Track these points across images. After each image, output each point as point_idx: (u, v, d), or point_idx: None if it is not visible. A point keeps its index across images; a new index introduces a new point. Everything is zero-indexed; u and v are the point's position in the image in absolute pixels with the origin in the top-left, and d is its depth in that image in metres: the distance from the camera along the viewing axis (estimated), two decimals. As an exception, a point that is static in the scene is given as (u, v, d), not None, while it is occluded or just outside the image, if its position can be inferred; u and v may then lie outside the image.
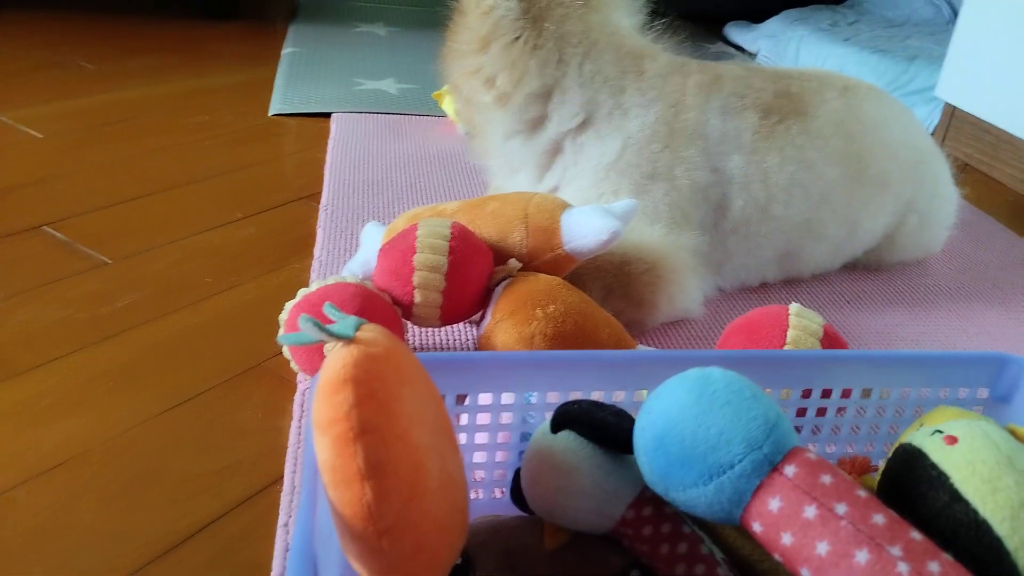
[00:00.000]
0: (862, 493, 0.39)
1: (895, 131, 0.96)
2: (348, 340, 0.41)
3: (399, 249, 0.70)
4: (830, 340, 0.65)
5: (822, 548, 0.37)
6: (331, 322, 0.44)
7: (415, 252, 0.69)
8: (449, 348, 0.76)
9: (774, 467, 0.39)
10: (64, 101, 1.24)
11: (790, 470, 0.39)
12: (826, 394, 0.57)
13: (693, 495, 0.41)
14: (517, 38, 0.84)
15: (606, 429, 0.46)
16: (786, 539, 0.38)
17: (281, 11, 1.92)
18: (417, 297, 0.68)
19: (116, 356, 0.71)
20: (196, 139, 1.18)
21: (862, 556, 0.36)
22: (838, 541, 0.37)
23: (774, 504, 0.39)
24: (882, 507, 0.38)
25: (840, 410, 0.58)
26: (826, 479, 0.39)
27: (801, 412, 0.58)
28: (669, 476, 0.41)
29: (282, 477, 0.60)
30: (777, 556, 0.39)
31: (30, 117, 1.16)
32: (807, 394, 0.57)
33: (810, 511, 0.38)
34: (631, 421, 0.48)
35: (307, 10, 1.91)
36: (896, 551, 0.36)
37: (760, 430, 0.40)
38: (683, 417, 0.41)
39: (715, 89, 0.88)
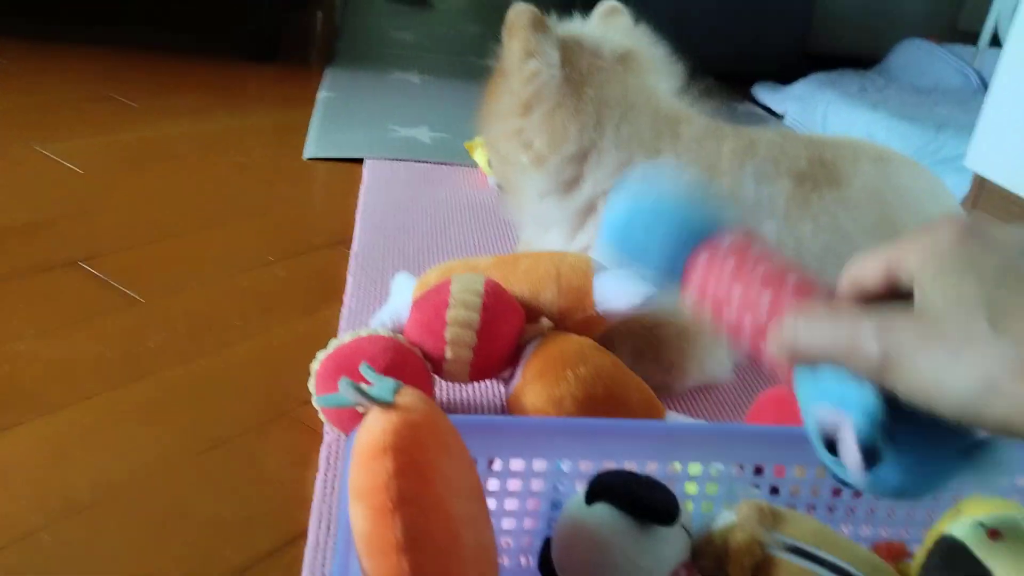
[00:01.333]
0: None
1: (928, 203, 0.96)
2: (387, 405, 0.42)
3: (432, 303, 0.70)
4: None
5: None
6: (366, 381, 0.44)
7: (448, 307, 0.69)
8: (477, 405, 0.76)
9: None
10: (105, 136, 1.27)
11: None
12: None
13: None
14: (559, 104, 0.85)
15: (645, 503, 0.46)
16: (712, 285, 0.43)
17: (318, 55, 1.96)
18: (448, 353, 0.68)
19: (146, 396, 0.71)
20: (231, 179, 1.20)
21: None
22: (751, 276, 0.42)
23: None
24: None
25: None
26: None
27: (836, 492, 0.57)
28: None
29: (306, 531, 0.59)
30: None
31: (71, 151, 1.18)
32: (842, 474, 0.56)
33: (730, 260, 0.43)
34: (668, 492, 0.48)
35: (344, 55, 1.95)
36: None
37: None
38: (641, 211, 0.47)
39: (749, 155, 0.88)
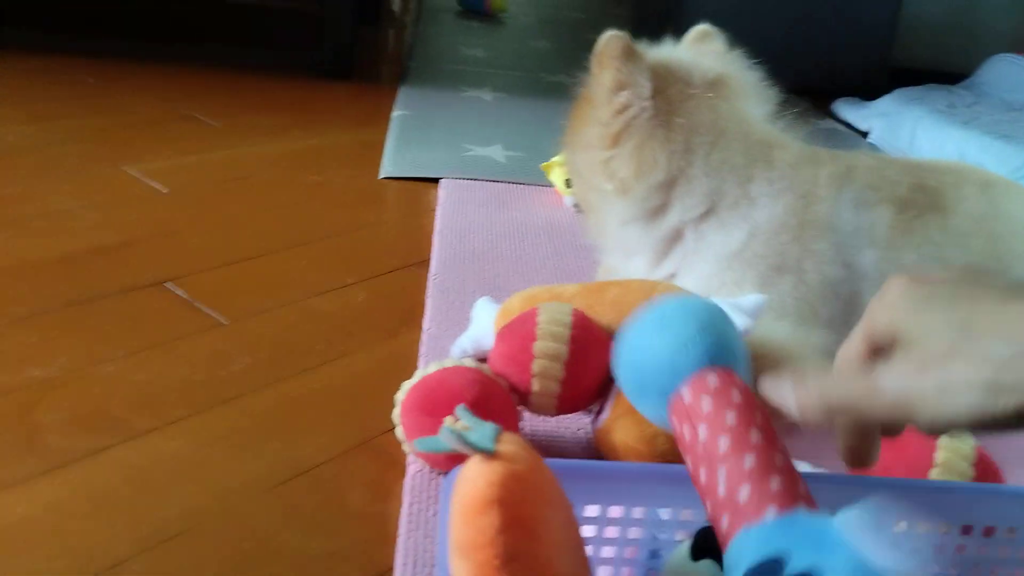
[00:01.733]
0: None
1: None
2: (489, 454, 0.40)
3: (518, 335, 0.68)
4: (984, 465, 0.60)
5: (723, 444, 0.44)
6: (455, 417, 0.43)
7: (535, 339, 0.67)
8: (562, 439, 0.74)
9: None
10: (188, 156, 1.29)
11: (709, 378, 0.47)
12: (988, 532, 0.52)
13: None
14: (650, 136, 0.83)
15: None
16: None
17: (391, 73, 1.98)
18: (535, 386, 0.67)
19: (231, 421, 0.71)
20: (310, 199, 1.20)
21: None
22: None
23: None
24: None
25: (1003, 549, 0.53)
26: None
27: (960, 549, 0.53)
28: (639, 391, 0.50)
29: (392, 568, 0.58)
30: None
31: (156, 171, 1.21)
32: (967, 530, 0.52)
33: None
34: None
35: (416, 73, 1.96)
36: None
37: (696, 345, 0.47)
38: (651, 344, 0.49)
39: (848, 181, 0.84)
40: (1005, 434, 0.38)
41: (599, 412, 0.68)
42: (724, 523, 0.42)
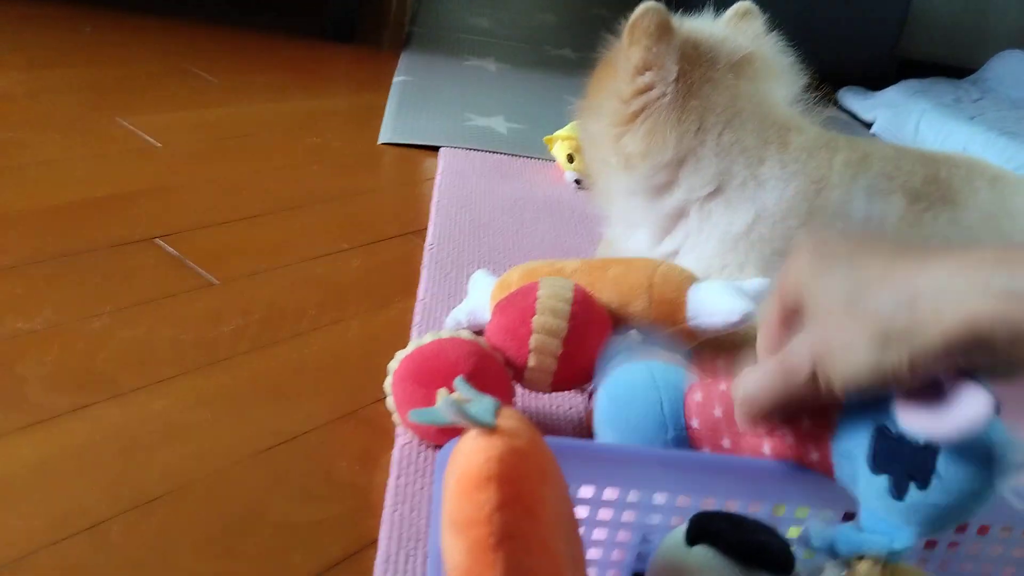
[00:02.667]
0: None
1: None
2: (490, 428, 0.39)
3: (518, 308, 0.67)
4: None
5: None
6: (456, 394, 0.42)
7: (535, 313, 0.66)
8: (556, 417, 0.73)
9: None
10: (185, 111, 1.27)
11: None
12: (983, 531, 0.51)
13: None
14: (665, 119, 0.81)
15: (757, 548, 0.42)
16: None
17: (394, 38, 1.94)
18: (531, 361, 0.65)
19: (219, 384, 0.70)
20: (307, 162, 1.18)
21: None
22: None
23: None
24: None
25: (976, 546, 0.53)
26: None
27: (952, 545, 0.52)
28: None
29: (376, 540, 0.57)
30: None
31: (152, 125, 1.18)
32: (962, 528, 0.51)
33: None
34: (780, 539, 0.44)
35: (418, 39, 1.93)
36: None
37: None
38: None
39: (863, 168, 0.83)
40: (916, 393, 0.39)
41: (593, 392, 0.67)
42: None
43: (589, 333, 0.66)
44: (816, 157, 0.82)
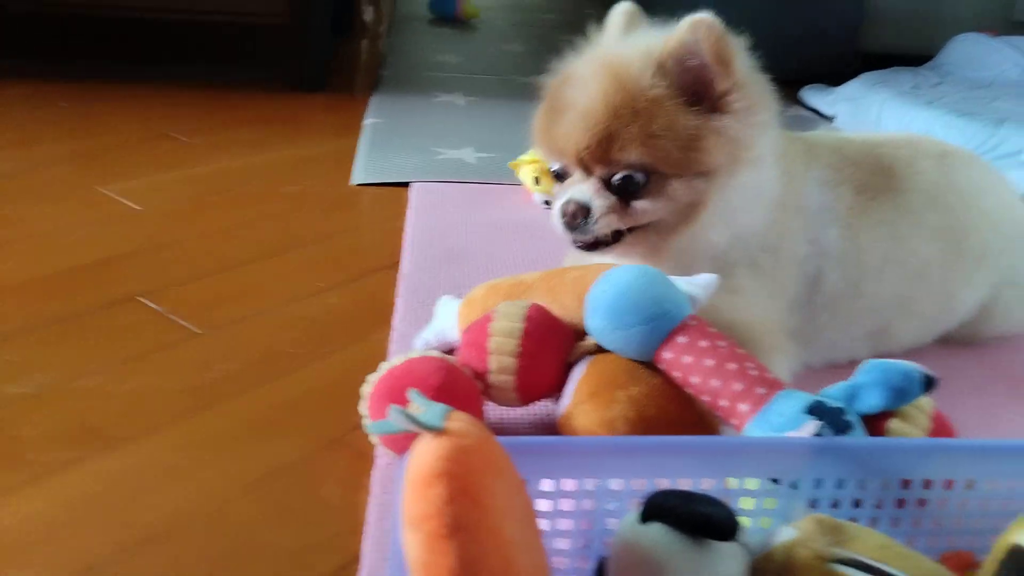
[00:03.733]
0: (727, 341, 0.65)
1: (993, 201, 0.93)
2: (438, 431, 0.42)
3: (479, 324, 0.71)
4: (939, 428, 0.62)
5: (708, 363, 0.62)
6: (412, 406, 0.45)
7: (491, 321, 0.70)
8: (529, 425, 0.76)
9: (683, 320, 0.65)
10: (163, 174, 1.31)
11: (692, 322, 0.65)
12: (927, 485, 0.54)
13: (633, 332, 0.65)
14: None
15: (700, 519, 0.45)
16: (686, 359, 0.63)
17: (365, 83, 2.00)
18: (492, 364, 0.69)
19: (209, 426, 0.73)
20: (285, 210, 1.22)
21: (732, 366, 0.62)
22: (718, 357, 0.63)
23: (681, 339, 0.64)
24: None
25: (942, 502, 0.55)
26: (711, 329, 0.65)
27: (900, 503, 0.55)
28: (620, 318, 0.65)
29: (359, 556, 0.60)
30: (677, 374, 0.64)
31: (131, 190, 1.23)
32: (906, 484, 0.54)
33: (703, 342, 0.64)
34: (724, 508, 0.47)
35: (388, 81, 1.98)
36: (750, 364, 0.63)
37: (680, 298, 0.67)
38: (634, 283, 0.66)
39: (812, 159, 0.86)
40: None
41: (560, 400, 0.71)
42: (746, 405, 0.60)
43: (546, 348, 0.70)
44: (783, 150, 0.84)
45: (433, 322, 0.82)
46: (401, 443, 0.66)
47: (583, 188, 0.79)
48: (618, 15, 0.86)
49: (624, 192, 0.78)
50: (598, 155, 0.77)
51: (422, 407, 0.44)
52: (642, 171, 0.77)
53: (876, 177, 0.88)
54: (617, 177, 0.78)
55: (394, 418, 0.42)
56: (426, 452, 0.41)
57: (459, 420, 0.43)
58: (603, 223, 0.79)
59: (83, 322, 0.88)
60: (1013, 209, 0.95)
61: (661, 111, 0.75)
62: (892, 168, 0.89)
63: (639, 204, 0.78)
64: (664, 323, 0.65)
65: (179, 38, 2.10)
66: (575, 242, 0.81)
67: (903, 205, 0.87)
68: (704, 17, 0.74)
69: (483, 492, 0.40)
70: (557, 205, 0.80)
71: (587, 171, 0.79)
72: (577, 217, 0.79)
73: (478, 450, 0.42)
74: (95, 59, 1.91)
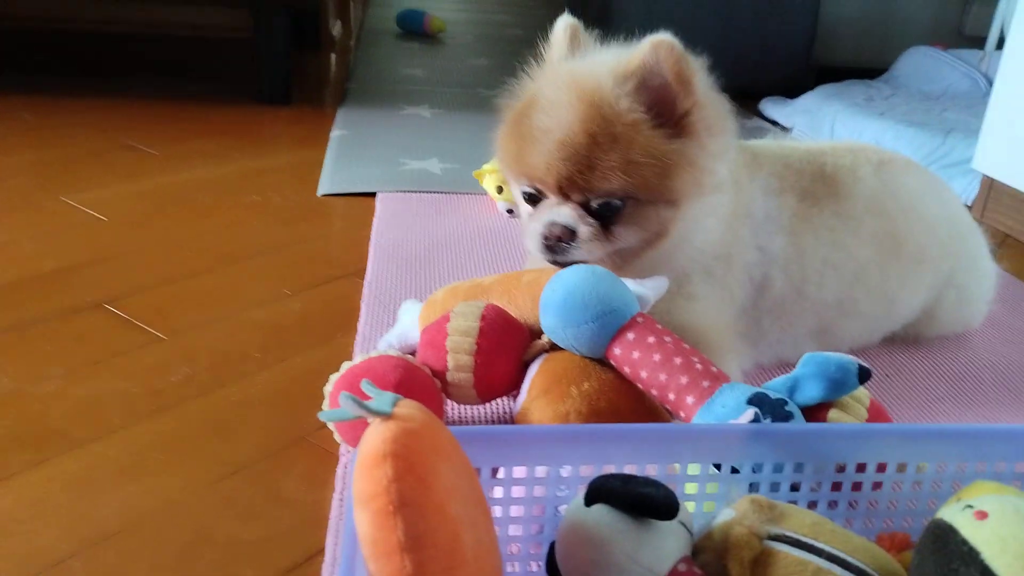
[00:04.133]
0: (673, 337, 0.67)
1: (931, 206, 0.97)
2: (386, 416, 0.44)
3: (436, 324, 0.73)
4: (875, 415, 0.65)
5: (656, 358, 0.65)
6: (369, 398, 0.47)
7: (449, 320, 0.72)
8: (488, 421, 0.78)
9: (631, 317, 0.68)
10: (127, 184, 1.32)
11: (639, 319, 0.68)
12: (861, 468, 0.57)
13: (583, 329, 0.67)
14: None
15: (641, 500, 0.47)
16: (635, 355, 0.66)
17: (333, 96, 2.01)
18: (450, 362, 0.71)
19: (169, 428, 0.74)
20: (249, 218, 1.24)
21: (678, 360, 0.65)
22: (665, 353, 0.65)
23: (630, 336, 0.67)
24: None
25: (876, 485, 0.58)
26: (658, 326, 0.68)
27: (836, 486, 0.58)
28: (570, 316, 0.68)
29: (323, 549, 0.61)
30: (626, 369, 0.67)
31: (95, 200, 1.23)
32: (842, 468, 0.57)
33: (651, 338, 0.66)
34: (664, 489, 0.49)
35: (355, 94, 2.00)
36: (695, 358, 0.65)
37: (628, 297, 0.69)
38: (583, 283, 0.68)
39: (755, 168, 0.89)
40: None
41: (517, 397, 0.73)
42: (692, 398, 0.63)
43: (501, 346, 0.72)
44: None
45: (396, 325, 0.84)
46: (358, 437, 0.68)
47: (564, 212, 0.78)
48: (561, 32, 0.85)
49: (602, 217, 0.78)
50: (579, 183, 0.76)
51: (372, 395, 0.46)
52: (621, 197, 0.77)
53: (818, 184, 0.91)
54: (597, 203, 0.77)
55: (345, 405, 0.44)
56: (374, 435, 0.43)
57: (407, 407, 0.45)
58: (587, 248, 0.77)
59: (47, 327, 0.89)
60: (951, 214, 0.99)
61: (639, 137, 0.75)
62: (834, 176, 0.92)
63: (618, 230, 0.78)
64: (613, 320, 0.67)
65: (143, 52, 2.10)
66: (552, 262, 0.80)
67: (844, 211, 0.90)
68: (664, 38, 0.75)
69: (429, 472, 0.42)
70: (537, 227, 0.79)
71: (565, 196, 0.79)
72: (562, 240, 0.77)
73: (424, 433, 0.44)
74: (59, 72, 1.91)
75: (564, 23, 0.85)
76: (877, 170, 0.95)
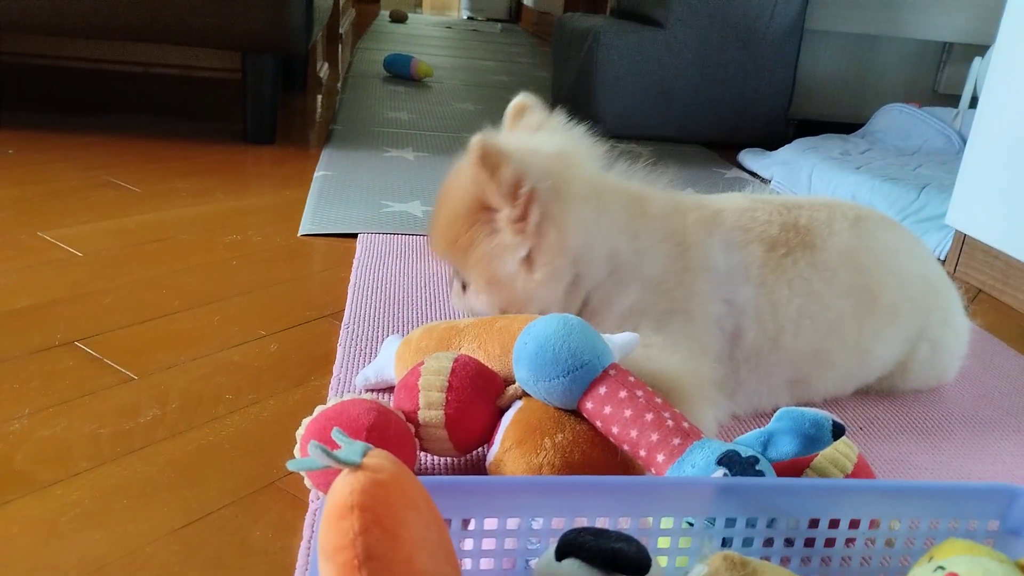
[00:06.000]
0: (645, 392, 0.67)
1: (906, 262, 0.98)
2: (355, 466, 0.43)
3: (411, 371, 0.73)
4: (859, 471, 0.65)
5: (627, 414, 0.65)
6: (339, 447, 0.46)
7: (423, 364, 0.72)
8: (461, 471, 0.77)
9: (603, 370, 0.68)
10: (106, 221, 1.31)
11: (612, 371, 0.68)
12: (834, 524, 0.57)
13: (555, 384, 0.67)
14: (564, 212, 0.85)
15: (614, 555, 0.47)
16: (607, 410, 0.66)
17: (318, 137, 2.03)
18: (423, 434, 0.71)
19: (137, 471, 0.73)
20: (227, 258, 1.23)
21: (649, 416, 0.64)
22: (636, 409, 0.65)
23: (601, 390, 0.67)
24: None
25: (849, 541, 0.58)
26: (631, 379, 0.68)
27: (809, 542, 0.57)
28: (542, 370, 0.68)
29: (289, 600, 0.60)
30: (598, 423, 0.67)
31: (73, 236, 1.22)
32: (815, 524, 0.57)
33: (622, 393, 0.66)
34: (636, 544, 0.49)
35: (339, 136, 2.02)
36: (667, 414, 0.65)
37: (601, 348, 0.69)
38: (554, 336, 0.68)
39: (716, 224, 0.90)
40: None
41: (489, 447, 0.72)
42: (662, 456, 0.63)
43: (473, 386, 0.72)
44: (671, 220, 0.89)
45: (376, 359, 0.84)
46: (329, 483, 0.67)
47: (457, 287, 0.95)
48: (510, 108, 0.94)
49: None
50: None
51: (342, 444, 0.46)
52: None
53: (789, 234, 0.92)
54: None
55: (313, 454, 0.43)
56: (342, 486, 0.42)
57: (376, 457, 0.45)
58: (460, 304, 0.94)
59: (17, 365, 0.87)
60: (925, 271, 1.00)
61: (462, 222, 0.87)
62: (808, 228, 0.94)
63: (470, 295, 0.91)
64: (584, 374, 0.67)
65: (132, 90, 2.11)
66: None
67: (818, 262, 0.92)
68: (478, 137, 0.80)
69: (397, 524, 0.41)
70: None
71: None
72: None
73: (393, 484, 0.43)
74: (47, 108, 1.92)
75: (516, 101, 0.94)
76: (853, 225, 0.96)
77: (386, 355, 0.83)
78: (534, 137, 0.91)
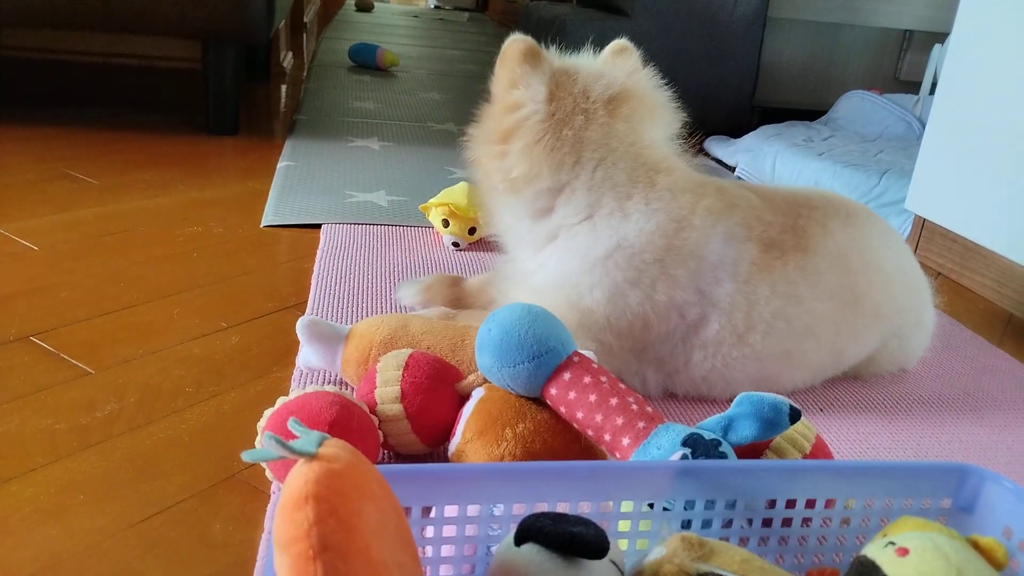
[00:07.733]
0: (609, 378, 0.68)
1: (890, 259, 0.97)
2: (310, 456, 0.43)
3: (365, 385, 0.74)
4: (817, 451, 0.66)
5: (592, 399, 0.65)
6: (297, 437, 0.46)
7: (375, 388, 0.73)
8: (423, 461, 0.77)
9: (567, 357, 0.68)
10: (63, 214, 1.29)
11: (575, 358, 0.69)
12: (790, 504, 0.58)
13: (519, 369, 0.68)
14: (538, 140, 0.88)
15: (572, 538, 0.47)
16: (571, 395, 0.66)
17: (282, 127, 2.00)
18: (385, 430, 0.71)
19: (94, 466, 0.72)
20: (188, 250, 1.21)
21: (614, 401, 0.65)
22: (601, 393, 0.66)
23: (566, 376, 0.67)
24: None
25: (806, 520, 0.59)
26: (595, 366, 0.69)
27: (767, 523, 0.58)
28: (506, 356, 0.68)
29: (250, 592, 0.59)
30: (562, 409, 0.67)
31: (27, 229, 1.20)
32: (771, 504, 0.57)
33: (587, 379, 0.67)
34: (594, 527, 0.49)
35: (304, 126, 1.99)
36: (631, 399, 0.66)
37: (565, 335, 0.70)
38: (519, 322, 0.69)
39: (724, 216, 0.89)
40: None
41: (451, 438, 0.72)
42: (628, 439, 0.63)
43: (433, 384, 0.72)
44: (680, 198, 0.88)
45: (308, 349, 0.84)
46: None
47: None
48: (612, 44, 0.98)
49: None
50: None
51: (299, 434, 0.45)
52: None
53: (787, 235, 0.91)
54: None
55: (268, 445, 0.43)
56: (297, 476, 0.42)
57: (332, 447, 0.44)
58: None
59: (-33, 362, 0.85)
60: (905, 266, 1.00)
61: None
62: (805, 229, 0.92)
63: None
64: (549, 360, 0.67)
65: (91, 80, 2.07)
66: None
67: (808, 266, 0.90)
68: (517, 36, 0.90)
69: (352, 514, 0.41)
70: None
71: None
72: None
73: (348, 474, 0.43)
74: (1, 99, 1.87)
75: (617, 41, 0.98)
76: (845, 223, 0.95)
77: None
78: (612, 72, 0.93)
